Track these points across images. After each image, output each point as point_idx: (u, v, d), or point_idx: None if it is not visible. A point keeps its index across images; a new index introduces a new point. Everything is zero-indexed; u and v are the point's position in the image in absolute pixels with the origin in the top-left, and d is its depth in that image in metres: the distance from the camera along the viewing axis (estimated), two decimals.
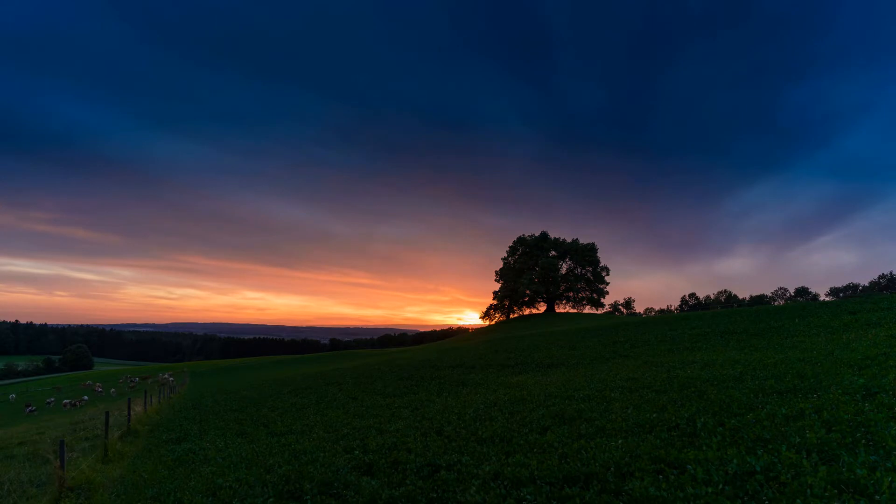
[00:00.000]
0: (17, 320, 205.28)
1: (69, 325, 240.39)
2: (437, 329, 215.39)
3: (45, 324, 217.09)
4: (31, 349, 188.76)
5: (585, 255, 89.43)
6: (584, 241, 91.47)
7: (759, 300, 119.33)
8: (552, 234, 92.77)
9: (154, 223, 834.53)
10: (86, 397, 36.36)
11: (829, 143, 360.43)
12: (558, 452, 7.19)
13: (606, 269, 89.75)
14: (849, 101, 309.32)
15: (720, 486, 5.07)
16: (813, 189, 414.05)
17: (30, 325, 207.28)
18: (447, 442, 8.85)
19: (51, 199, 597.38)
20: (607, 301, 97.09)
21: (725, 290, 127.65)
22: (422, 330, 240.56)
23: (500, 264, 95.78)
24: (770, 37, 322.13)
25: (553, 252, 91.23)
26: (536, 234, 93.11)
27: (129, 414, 15.97)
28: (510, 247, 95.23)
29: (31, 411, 31.96)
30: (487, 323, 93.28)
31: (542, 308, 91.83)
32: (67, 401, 34.41)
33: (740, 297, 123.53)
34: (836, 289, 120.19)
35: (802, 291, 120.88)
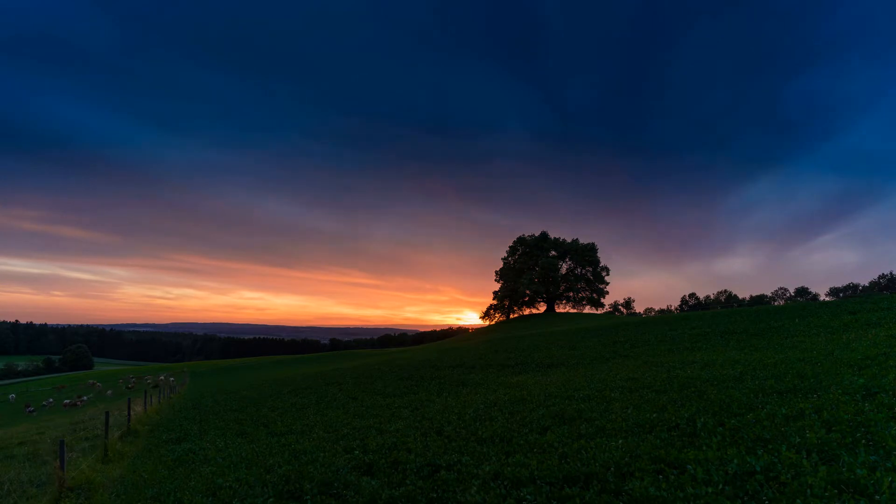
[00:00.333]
0: (17, 320, 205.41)
1: (69, 325, 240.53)
2: (437, 329, 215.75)
3: (45, 324, 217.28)
4: (31, 349, 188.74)
5: (585, 255, 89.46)
6: (583, 240, 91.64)
7: (759, 300, 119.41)
8: (552, 234, 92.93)
9: (148, 222, 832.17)
10: (85, 397, 36.35)
11: (833, 137, 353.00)
12: (558, 452, 7.19)
13: (606, 269, 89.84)
14: (855, 92, 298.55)
15: (720, 486, 5.07)
16: (815, 185, 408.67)
17: (30, 325, 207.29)
18: (447, 442, 8.85)
19: (41, 199, 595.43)
20: (607, 301, 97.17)
21: (725, 290, 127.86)
22: (422, 330, 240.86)
23: (498, 263, 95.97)
24: (772, 25, 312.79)
25: (553, 252, 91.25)
26: (536, 234, 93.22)
27: (129, 414, 15.97)
28: (510, 247, 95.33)
29: (31, 411, 31.96)
30: (487, 323, 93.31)
31: (542, 308, 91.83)
32: (68, 401, 34.40)
33: (740, 297, 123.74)
34: (835, 289, 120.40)
35: (802, 291, 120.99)
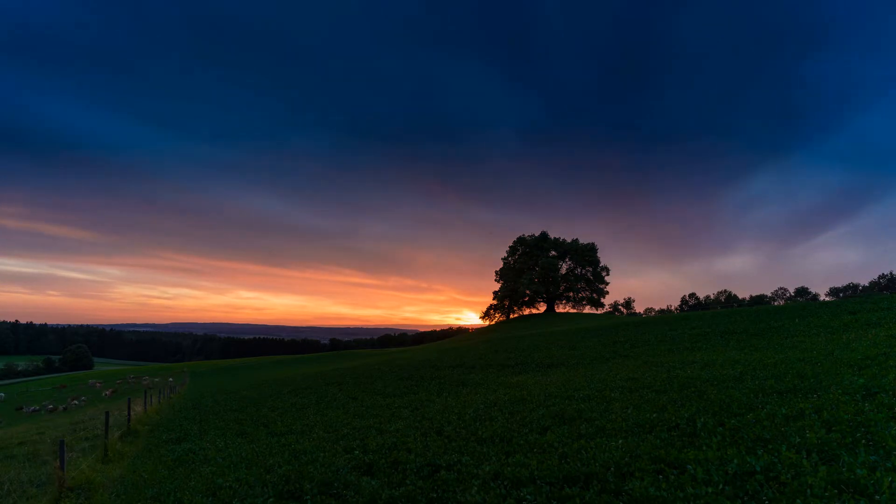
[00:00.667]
0: (16, 320, 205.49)
1: (69, 325, 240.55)
2: (437, 329, 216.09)
3: (45, 324, 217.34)
4: (31, 349, 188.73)
5: (585, 255, 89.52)
6: (583, 239, 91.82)
7: (759, 300, 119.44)
8: (551, 233, 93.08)
9: (144, 222, 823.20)
10: (84, 397, 36.34)
11: (841, 126, 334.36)
12: (558, 452, 7.19)
13: (606, 269, 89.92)
14: (869, 76, 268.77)
15: (720, 486, 5.07)
16: (819, 179, 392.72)
17: (30, 325, 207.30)
18: (447, 442, 8.85)
19: (34, 197, 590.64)
20: (607, 301, 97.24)
21: (725, 290, 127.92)
22: (422, 330, 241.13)
23: (497, 263, 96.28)
24: (777, 3, 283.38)
25: (553, 252, 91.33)
26: (536, 234, 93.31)
27: (129, 414, 15.97)
28: (510, 247, 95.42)
29: (31, 411, 31.95)
30: (487, 323, 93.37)
31: (542, 308, 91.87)
32: (52, 406, 34.23)
33: (740, 296, 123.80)
34: (835, 289, 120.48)
35: (802, 291, 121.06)
